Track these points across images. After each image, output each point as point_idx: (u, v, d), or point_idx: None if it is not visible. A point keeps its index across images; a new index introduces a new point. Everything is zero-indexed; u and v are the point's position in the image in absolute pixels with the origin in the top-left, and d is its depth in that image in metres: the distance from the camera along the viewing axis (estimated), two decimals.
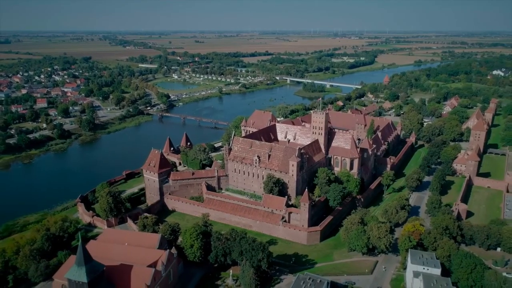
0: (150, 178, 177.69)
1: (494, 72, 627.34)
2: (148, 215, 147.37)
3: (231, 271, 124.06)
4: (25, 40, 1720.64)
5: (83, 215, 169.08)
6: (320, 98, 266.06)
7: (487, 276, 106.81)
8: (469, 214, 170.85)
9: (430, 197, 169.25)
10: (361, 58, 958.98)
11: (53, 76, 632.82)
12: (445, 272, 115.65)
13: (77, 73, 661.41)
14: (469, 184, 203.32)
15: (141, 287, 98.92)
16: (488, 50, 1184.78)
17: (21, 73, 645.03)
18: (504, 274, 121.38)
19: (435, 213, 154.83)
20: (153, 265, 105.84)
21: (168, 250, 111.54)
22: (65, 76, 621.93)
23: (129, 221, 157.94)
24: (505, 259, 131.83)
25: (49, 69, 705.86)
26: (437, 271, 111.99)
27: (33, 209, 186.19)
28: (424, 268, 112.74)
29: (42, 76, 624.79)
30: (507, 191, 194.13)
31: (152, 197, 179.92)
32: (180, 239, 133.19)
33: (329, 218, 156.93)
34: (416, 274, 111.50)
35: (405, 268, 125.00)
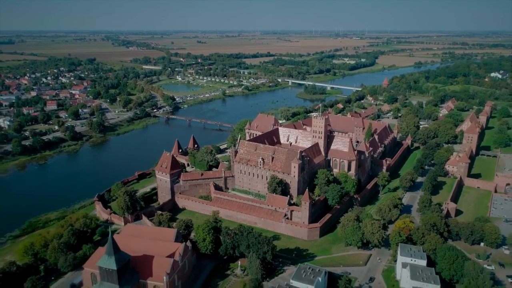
0: (162, 179, 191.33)
1: (492, 74, 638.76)
2: (163, 212, 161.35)
3: (239, 262, 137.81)
4: (28, 40, 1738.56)
5: (101, 213, 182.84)
6: (320, 105, 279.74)
7: (467, 266, 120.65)
8: (459, 212, 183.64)
9: (421, 197, 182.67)
10: (361, 60, 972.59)
11: (60, 78, 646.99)
12: (431, 263, 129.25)
13: (83, 75, 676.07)
14: (460, 185, 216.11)
15: (161, 275, 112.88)
16: (488, 51, 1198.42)
17: (28, 74, 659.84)
18: (485, 266, 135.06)
19: (425, 211, 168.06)
20: (171, 256, 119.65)
21: (184, 243, 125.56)
22: (72, 78, 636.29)
23: (144, 218, 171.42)
24: (487, 253, 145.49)
25: (55, 70, 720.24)
26: (423, 262, 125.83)
27: (53, 207, 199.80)
28: (411, 260, 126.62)
29: (49, 78, 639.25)
30: (495, 191, 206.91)
31: (163, 196, 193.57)
32: (193, 234, 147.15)
33: (328, 216, 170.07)
34: (404, 265, 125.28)
35: (395, 261, 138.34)
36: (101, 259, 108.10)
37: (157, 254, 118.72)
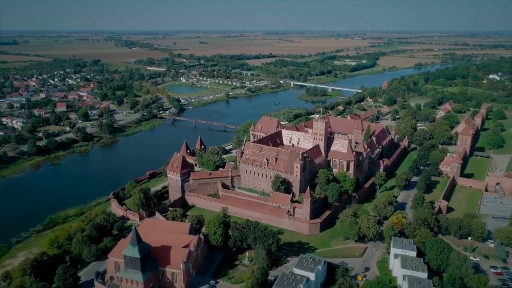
0: (173, 178, 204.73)
1: (491, 76, 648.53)
2: (176, 209, 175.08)
3: (247, 253, 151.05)
4: (32, 41, 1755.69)
5: (116, 209, 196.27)
6: (321, 109, 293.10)
7: (452, 256, 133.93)
8: (450, 209, 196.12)
9: (415, 195, 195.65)
10: (362, 61, 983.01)
11: (67, 79, 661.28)
12: (421, 255, 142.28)
13: (89, 76, 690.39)
14: (453, 184, 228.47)
15: (178, 263, 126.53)
16: (488, 52, 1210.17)
17: (35, 76, 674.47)
18: (471, 257, 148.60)
19: (418, 208, 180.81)
20: (187, 246, 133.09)
21: (197, 235, 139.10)
22: (78, 80, 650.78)
23: (157, 214, 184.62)
24: (473, 246, 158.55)
25: (62, 72, 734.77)
26: (413, 253, 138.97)
27: (70, 204, 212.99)
28: (403, 251, 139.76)
29: (56, 79, 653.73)
30: (486, 190, 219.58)
31: (174, 194, 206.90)
32: (204, 228, 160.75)
33: (328, 213, 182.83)
34: (396, 256, 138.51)
35: (389, 252, 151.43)
36: (126, 249, 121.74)
37: (174, 245, 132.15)
